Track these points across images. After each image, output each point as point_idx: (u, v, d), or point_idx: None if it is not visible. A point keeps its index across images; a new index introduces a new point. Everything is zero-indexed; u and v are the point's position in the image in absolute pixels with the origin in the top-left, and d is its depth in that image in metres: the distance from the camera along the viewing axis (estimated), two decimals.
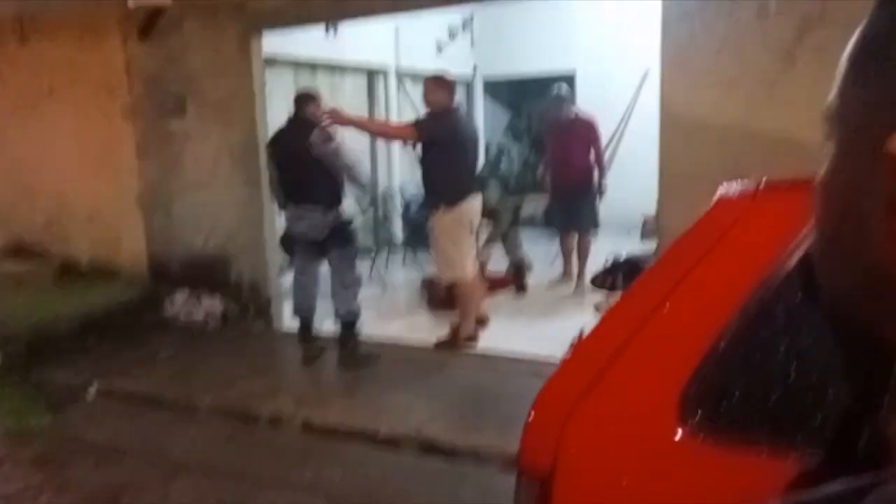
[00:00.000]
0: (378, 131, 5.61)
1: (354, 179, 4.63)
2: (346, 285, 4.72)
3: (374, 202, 8.57)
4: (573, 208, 6.29)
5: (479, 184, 5.09)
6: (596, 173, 6.31)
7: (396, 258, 8.02)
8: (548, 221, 7.17)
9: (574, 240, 6.42)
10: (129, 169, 6.04)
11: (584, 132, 6.23)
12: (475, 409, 3.96)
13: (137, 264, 6.14)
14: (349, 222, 4.73)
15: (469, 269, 4.86)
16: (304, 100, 4.70)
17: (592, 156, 6.27)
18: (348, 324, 4.73)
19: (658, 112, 4.09)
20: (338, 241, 4.64)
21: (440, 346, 4.97)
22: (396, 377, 4.55)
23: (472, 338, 4.99)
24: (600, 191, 6.42)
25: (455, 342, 4.96)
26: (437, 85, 4.79)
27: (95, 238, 6.38)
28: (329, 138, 4.49)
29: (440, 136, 4.70)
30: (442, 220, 4.79)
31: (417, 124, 4.79)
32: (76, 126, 6.25)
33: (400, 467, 3.58)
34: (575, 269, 6.38)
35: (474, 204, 4.85)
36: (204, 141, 5.63)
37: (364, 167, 4.69)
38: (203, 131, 5.63)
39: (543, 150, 6.75)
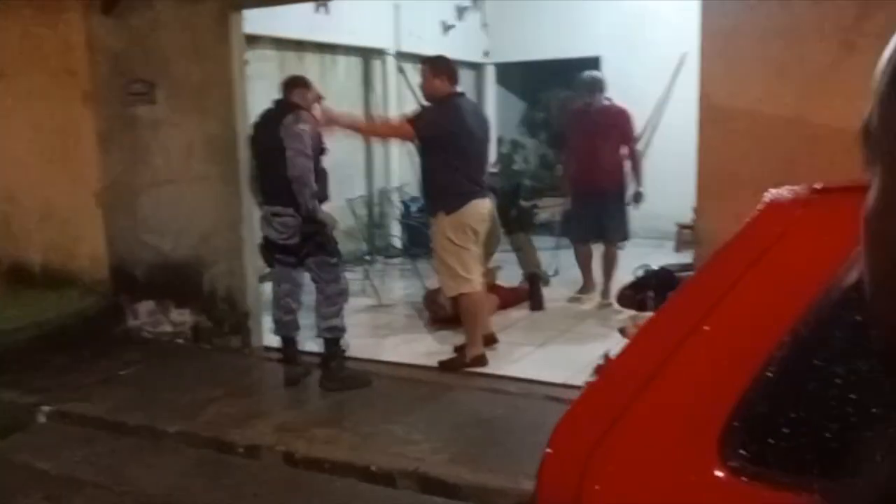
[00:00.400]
0: (370, 133, 5.59)
1: (297, 192, 4.54)
2: (327, 297, 4.75)
3: (368, 204, 8.59)
4: (599, 216, 6.09)
5: (487, 185, 5.08)
6: (626, 175, 6.13)
7: (394, 268, 8.03)
8: (565, 230, 6.87)
9: (590, 249, 6.31)
10: (88, 161, 6.06)
11: (617, 125, 6.07)
12: (482, 441, 3.96)
13: (97, 270, 6.16)
14: (324, 224, 4.69)
15: (475, 281, 4.87)
16: (292, 86, 4.74)
17: (624, 153, 6.11)
18: (330, 341, 4.75)
19: (696, 104, 4.10)
20: (313, 247, 4.66)
21: (444, 367, 4.96)
22: (392, 403, 4.55)
23: (481, 359, 4.99)
24: (636, 199, 6.24)
25: (461, 363, 4.96)
26: (435, 70, 4.79)
27: (49, 239, 6.41)
28: (297, 121, 4.52)
29: (439, 131, 4.71)
30: (443, 227, 4.80)
31: (414, 119, 4.80)
32: (29, 112, 6.28)
33: None
34: (597, 283, 6.33)
35: (480, 208, 4.85)
36: (175, 131, 5.66)
37: (309, 181, 4.52)
38: (174, 120, 5.65)
39: (564, 146, 6.62)
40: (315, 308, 4.80)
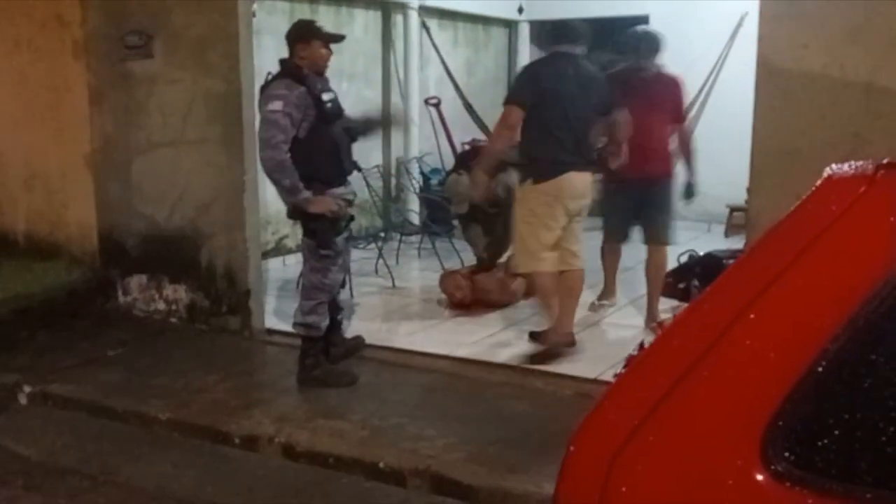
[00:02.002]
0: (496, 155, 5.19)
1: (274, 184, 4.47)
2: (304, 288, 4.77)
3: (384, 175, 8.60)
4: (642, 209, 5.54)
5: (591, 155, 4.94)
6: (675, 158, 5.58)
7: (411, 246, 8.04)
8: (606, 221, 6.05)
9: (620, 249, 5.87)
10: (78, 121, 6.11)
11: (672, 98, 5.53)
12: (503, 440, 3.97)
13: (85, 240, 6.22)
14: (318, 215, 4.51)
15: (548, 262, 4.86)
16: (293, 39, 4.61)
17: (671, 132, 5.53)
18: (305, 338, 4.74)
19: (754, 70, 4.05)
20: (306, 229, 4.64)
21: (535, 360, 4.90)
22: (405, 395, 4.58)
23: (567, 338, 4.97)
24: (688, 192, 5.66)
25: (549, 353, 4.90)
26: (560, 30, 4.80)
27: (34, 207, 6.48)
28: (269, 100, 4.38)
29: (516, 96, 4.71)
30: (528, 197, 4.81)
31: (513, 90, 4.76)
32: (14, 66, 6.34)
33: None
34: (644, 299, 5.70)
35: (577, 181, 4.78)
36: (173, 88, 5.69)
37: (281, 178, 4.38)
38: (173, 76, 5.68)
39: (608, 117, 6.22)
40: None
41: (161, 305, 5.97)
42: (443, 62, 9.40)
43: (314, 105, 4.49)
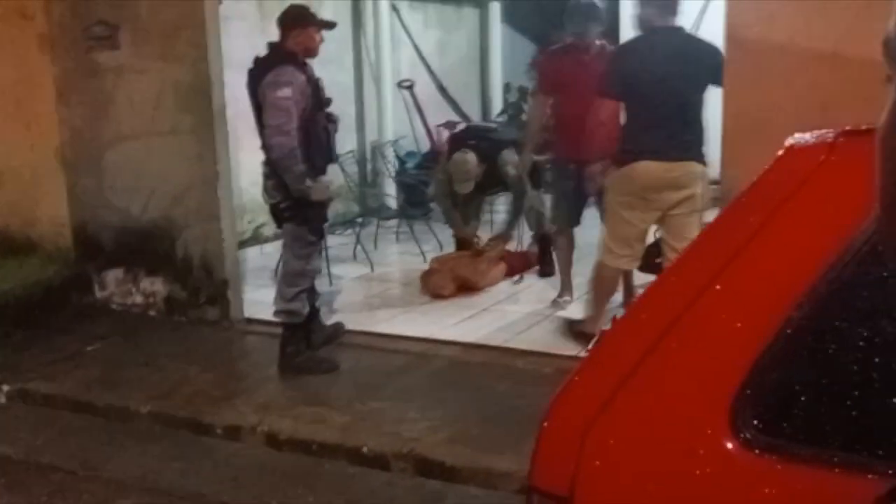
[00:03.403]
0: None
1: (282, 175, 4.45)
2: (285, 275, 4.75)
3: (359, 160, 8.57)
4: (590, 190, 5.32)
5: (686, 141, 4.49)
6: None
7: (388, 231, 8.03)
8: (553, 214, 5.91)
9: (572, 238, 5.57)
10: (46, 115, 6.04)
11: None
12: (486, 420, 4.00)
13: (59, 235, 6.17)
14: (316, 202, 4.53)
15: (620, 258, 4.63)
16: (287, 24, 4.53)
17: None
18: (286, 325, 4.73)
19: (723, 39, 4.06)
20: (293, 214, 4.60)
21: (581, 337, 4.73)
22: (387, 379, 4.59)
23: (587, 338, 4.87)
24: None
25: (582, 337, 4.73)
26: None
27: (5, 203, 6.40)
28: (277, 86, 4.35)
29: (607, 82, 4.60)
30: (611, 182, 4.68)
31: (608, 67, 4.70)
32: None
33: (388, 491, 3.62)
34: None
35: (654, 171, 4.41)
36: (141, 78, 5.63)
37: (291, 165, 4.36)
38: (140, 66, 5.62)
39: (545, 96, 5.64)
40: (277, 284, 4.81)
41: (138, 299, 5.93)
42: (414, 44, 9.36)
43: (312, 94, 4.50)
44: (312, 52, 4.61)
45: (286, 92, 4.35)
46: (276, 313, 4.74)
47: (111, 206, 5.91)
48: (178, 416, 4.30)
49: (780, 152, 1.51)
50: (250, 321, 5.60)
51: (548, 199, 6.05)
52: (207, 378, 4.71)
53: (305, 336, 4.82)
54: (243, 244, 6.81)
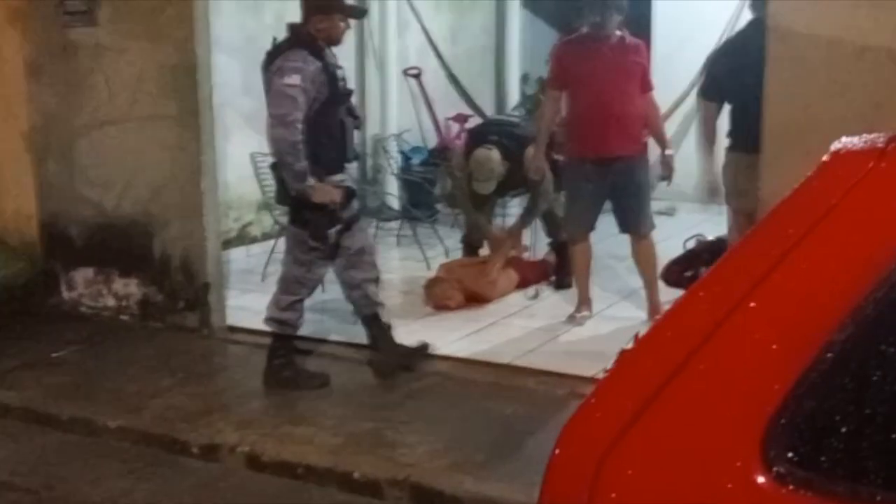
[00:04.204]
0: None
1: (282, 167, 4.46)
2: (282, 280, 4.74)
3: (359, 155, 8.58)
4: (610, 192, 5.51)
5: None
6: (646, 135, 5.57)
7: (389, 233, 8.04)
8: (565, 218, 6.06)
9: (590, 246, 5.66)
10: (15, 96, 6.07)
11: (634, 64, 5.47)
12: (490, 445, 4.00)
13: (24, 230, 6.19)
14: (319, 205, 4.49)
15: None
16: (311, 9, 4.49)
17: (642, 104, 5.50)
18: (275, 335, 4.73)
19: (765, 36, 4.06)
20: (296, 215, 4.63)
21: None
22: (382, 397, 4.60)
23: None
24: (666, 169, 5.65)
25: None
26: None
27: None
28: (283, 73, 4.34)
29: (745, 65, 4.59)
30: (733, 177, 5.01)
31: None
32: None
33: None
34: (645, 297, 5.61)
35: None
36: (121, 59, 5.65)
37: (291, 161, 4.35)
38: (120, 45, 5.64)
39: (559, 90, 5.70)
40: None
41: (110, 301, 5.94)
42: (423, 28, 9.38)
43: (328, 83, 4.47)
44: (335, 41, 4.60)
45: (293, 79, 4.33)
46: (267, 321, 4.74)
47: (83, 199, 5.93)
48: (150, 432, 4.29)
49: (825, 158, 1.51)
50: (233, 329, 5.61)
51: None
52: (184, 391, 4.70)
53: (295, 348, 4.82)
54: (228, 244, 6.83)
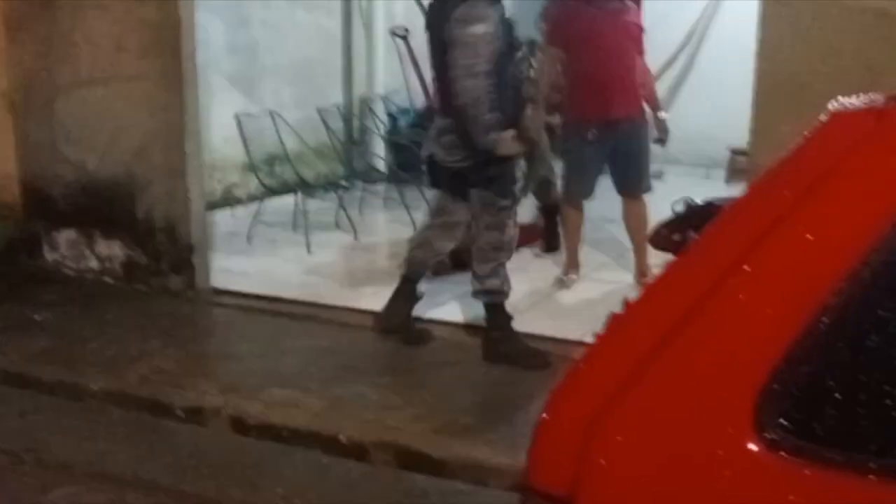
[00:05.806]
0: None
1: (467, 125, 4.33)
2: (479, 249, 4.60)
3: (346, 115, 8.52)
4: (610, 156, 5.53)
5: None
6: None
7: (376, 196, 8.01)
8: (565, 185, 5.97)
9: (582, 212, 5.69)
10: None
11: (629, 25, 5.48)
12: (477, 409, 4.02)
13: (5, 191, 6.14)
14: (506, 159, 4.45)
15: None
16: None
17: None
18: (489, 307, 4.63)
19: None
20: (480, 178, 4.51)
21: None
22: (369, 360, 4.60)
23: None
24: (661, 131, 5.69)
25: None
26: None
27: None
28: (468, 22, 4.22)
29: None
30: None
31: None
32: None
33: (366, 485, 3.62)
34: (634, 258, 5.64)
35: None
36: (102, 16, 5.57)
37: (479, 113, 4.25)
38: (102, 2, 5.55)
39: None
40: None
41: (93, 263, 5.91)
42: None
43: (504, 33, 4.39)
44: None
45: (479, 28, 4.24)
46: (475, 294, 4.63)
47: (65, 159, 5.87)
48: (133, 395, 4.29)
49: (822, 119, 1.48)
50: (218, 292, 5.59)
51: (558, 167, 6.04)
52: (168, 354, 4.69)
53: (510, 318, 4.66)
54: (213, 206, 6.79)
